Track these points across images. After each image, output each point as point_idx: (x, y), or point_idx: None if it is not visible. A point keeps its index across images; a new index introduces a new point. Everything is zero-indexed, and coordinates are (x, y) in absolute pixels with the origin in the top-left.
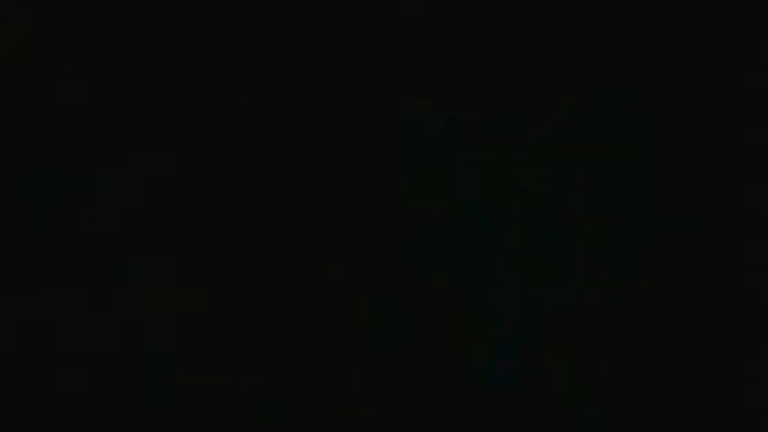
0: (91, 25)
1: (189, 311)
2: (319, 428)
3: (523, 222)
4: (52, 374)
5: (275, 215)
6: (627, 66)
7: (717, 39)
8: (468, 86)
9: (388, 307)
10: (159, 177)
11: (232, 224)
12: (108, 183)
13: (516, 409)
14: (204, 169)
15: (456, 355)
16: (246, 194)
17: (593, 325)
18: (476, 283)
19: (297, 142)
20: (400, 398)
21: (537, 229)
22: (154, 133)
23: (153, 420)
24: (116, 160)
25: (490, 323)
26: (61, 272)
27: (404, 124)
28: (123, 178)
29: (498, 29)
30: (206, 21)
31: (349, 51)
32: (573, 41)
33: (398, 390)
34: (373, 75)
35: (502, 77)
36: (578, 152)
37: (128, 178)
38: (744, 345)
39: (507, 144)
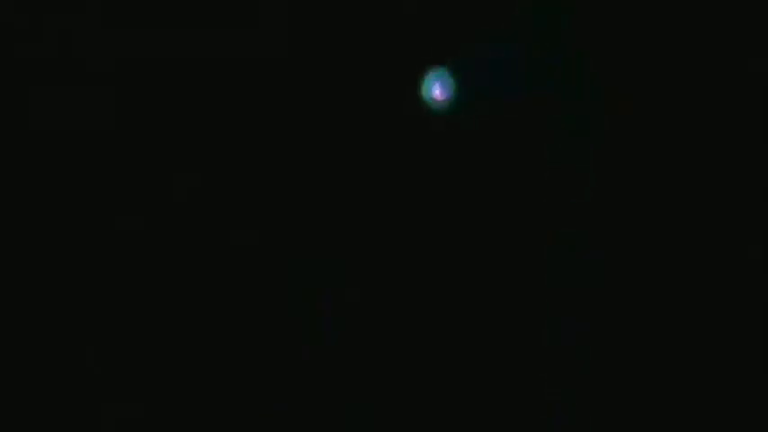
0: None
1: (183, 311)
2: (316, 427)
3: (523, 221)
4: (36, 375)
5: (272, 214)
6: (627, 65)
7: (717, 39)
8: (466, 85)
9: (386, 307)
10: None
11: (229, 223)
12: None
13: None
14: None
15: (455, 354)
16: (243, 194)
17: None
18: (476, 284)
19: (296, 143)
20: (399, 397)
21: (536, 229)
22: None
23: (149, 421)
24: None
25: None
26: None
27: (403, 124)
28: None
29: (498, 28)
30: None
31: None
32: (572, 39)
33: (398, 389)
34: (372, 74)
35: (501, 77)
36: (578, 151)
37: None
38: (744, 345)
39: (506, 142)
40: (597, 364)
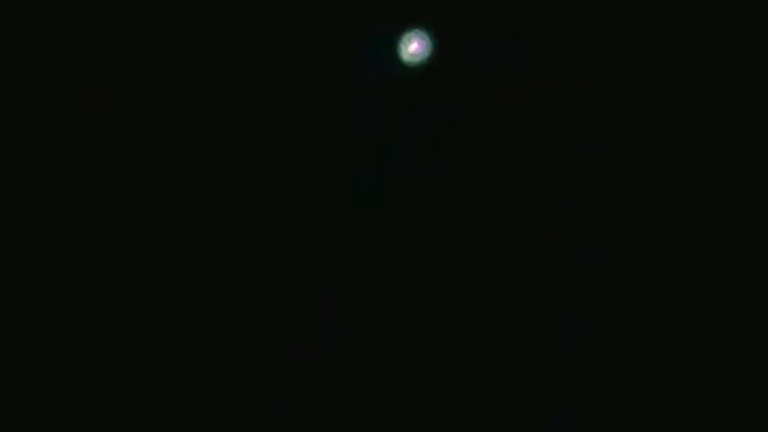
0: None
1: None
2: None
3: (523, 221)
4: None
5: (271, 213)
6: (627, 66)
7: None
8: (465, 84)
9: (387, 307)
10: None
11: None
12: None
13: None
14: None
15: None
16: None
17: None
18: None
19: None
20: (400, 397)
21: (536, 229)
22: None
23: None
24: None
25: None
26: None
27: (402, 122)
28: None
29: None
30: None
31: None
32: (571, 39)
33: (398, 389)
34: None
35: (499, 76)
36: (578, 151)
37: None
38: (744, 344)
39: (507, 142)
40: (597, 364)
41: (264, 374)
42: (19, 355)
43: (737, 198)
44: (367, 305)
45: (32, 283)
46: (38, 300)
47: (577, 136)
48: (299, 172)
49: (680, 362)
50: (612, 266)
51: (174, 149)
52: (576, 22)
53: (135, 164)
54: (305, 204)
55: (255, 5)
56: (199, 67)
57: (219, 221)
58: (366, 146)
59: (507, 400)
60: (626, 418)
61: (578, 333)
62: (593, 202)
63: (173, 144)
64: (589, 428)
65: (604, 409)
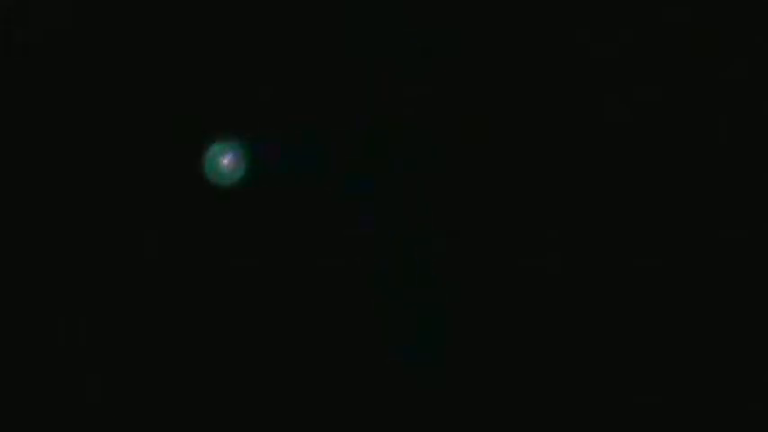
0: None
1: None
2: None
3: (523, 221)
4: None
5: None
6: (624, 65)
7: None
8: (463, 85)
9: (386, 306)
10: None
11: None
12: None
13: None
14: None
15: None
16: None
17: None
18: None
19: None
20: (399, 397)
21: (535, 228)
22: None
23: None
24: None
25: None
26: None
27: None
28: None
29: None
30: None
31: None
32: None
33: (397, 389)
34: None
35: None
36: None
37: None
38: (744, 345)
39: (506, 142)
40: (597, 363)
41: (263, 374)
42: (18, 355)
43: (738, 198)
44: (365, 304)
45: (31, 283)
46: (36, 299)
47: (576, 136)
48: (297, 172)
49: (680, 362)
50: (612, 266)
51: (171, 149)
52: (576, 21)
53: (132, 164)
54: (303, 204)
55: None
56: (195, 67)
57: (216, 222)
58: (363, 143)
59: (507, 400)
60: (626, 417)
61: (578, 333)
62: (592, 203)
63: (170, 143)
64: (589, 428)
65: (605, 409)
